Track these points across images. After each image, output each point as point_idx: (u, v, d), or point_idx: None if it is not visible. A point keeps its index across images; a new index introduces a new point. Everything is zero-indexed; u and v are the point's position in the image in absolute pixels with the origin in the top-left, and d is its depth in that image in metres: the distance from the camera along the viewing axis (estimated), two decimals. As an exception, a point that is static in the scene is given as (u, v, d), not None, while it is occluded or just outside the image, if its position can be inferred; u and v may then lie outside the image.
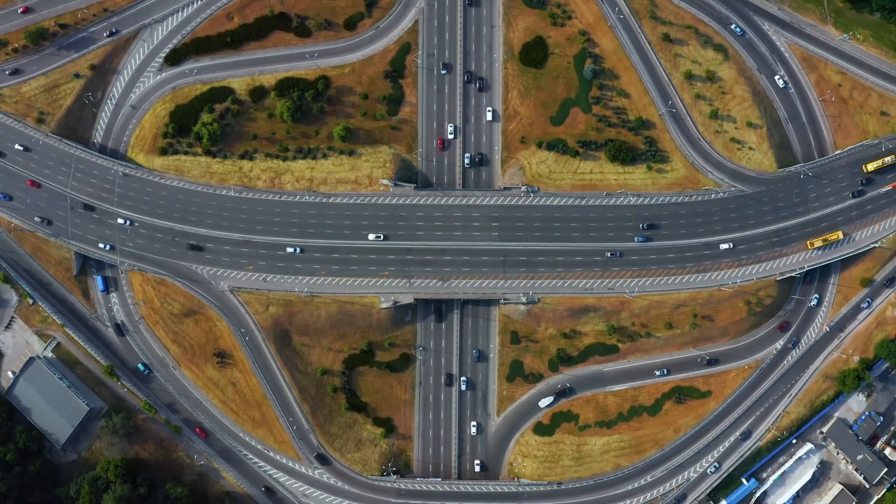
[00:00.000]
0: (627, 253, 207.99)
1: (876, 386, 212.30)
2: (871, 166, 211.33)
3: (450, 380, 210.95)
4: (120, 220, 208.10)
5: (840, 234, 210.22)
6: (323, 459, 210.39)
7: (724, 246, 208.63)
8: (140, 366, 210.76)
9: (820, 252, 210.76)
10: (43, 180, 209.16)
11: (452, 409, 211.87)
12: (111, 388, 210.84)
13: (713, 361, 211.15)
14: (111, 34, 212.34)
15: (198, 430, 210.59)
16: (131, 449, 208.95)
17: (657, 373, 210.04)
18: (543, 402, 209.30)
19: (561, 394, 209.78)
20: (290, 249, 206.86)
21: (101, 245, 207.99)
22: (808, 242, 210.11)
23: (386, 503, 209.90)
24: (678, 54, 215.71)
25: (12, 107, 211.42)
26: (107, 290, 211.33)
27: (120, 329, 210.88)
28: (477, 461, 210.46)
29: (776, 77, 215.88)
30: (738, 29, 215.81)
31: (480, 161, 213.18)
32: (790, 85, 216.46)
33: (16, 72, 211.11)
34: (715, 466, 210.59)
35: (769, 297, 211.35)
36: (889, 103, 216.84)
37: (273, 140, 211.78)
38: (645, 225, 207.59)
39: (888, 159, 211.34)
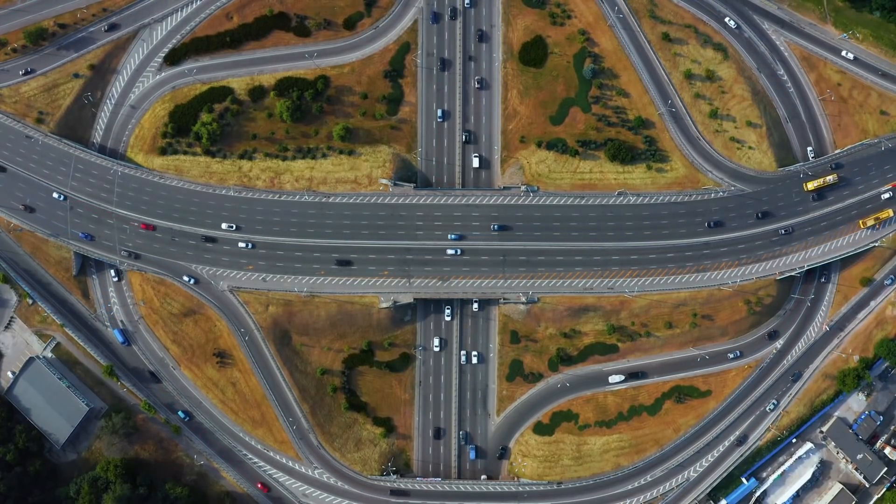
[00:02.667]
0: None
1: (876, 385, 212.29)
2: (811, 185, 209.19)
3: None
4: (241, 245, 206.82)
5: (891, 212, 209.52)
6: (401, 493, 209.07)
7: (885, 195, 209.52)
8: (181, 413, 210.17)
9: (870, 231, 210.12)
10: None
11: (452, 409, 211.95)
12: (111, 388, 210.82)
13: (773, 334, 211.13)
14: (110, 28, 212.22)
15: (259, 485, 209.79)
16: (131, 449, 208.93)
17: (730, 355, 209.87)
18: (614, 379, 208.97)
19: (633, 375, 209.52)
20: (451, 252, 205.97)
21: (187, 278, 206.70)
22: (860, 222, 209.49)
23: (385, 503, 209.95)
24: (678, 53, 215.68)
25: (12, 107, 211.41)
26: (128, 342, 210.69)
27: (154, 376, 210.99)
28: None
29: (727, 19, 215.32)
30: (733, 23, 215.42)
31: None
32: (744, 28, 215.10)
33: (29, 72, 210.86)
34: (773, 404, 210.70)
35: (769, 297, 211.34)
36: (889, 102, 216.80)
37: (272, 140, 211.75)
38: (495, 226, 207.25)
39: (829, 178, 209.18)
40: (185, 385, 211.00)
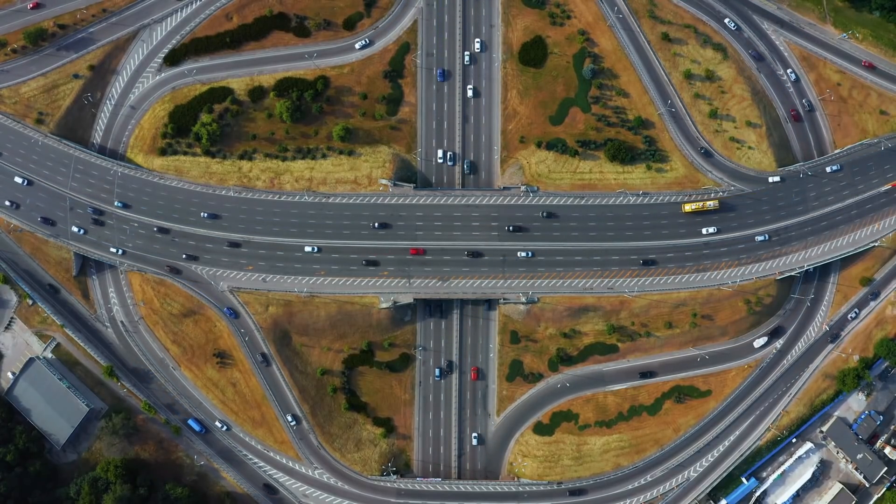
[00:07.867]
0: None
1: (875, 385, 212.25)
2: (688, 207, 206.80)
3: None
4: (307, 248, 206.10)
5: (717, 202, 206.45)
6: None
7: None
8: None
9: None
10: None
11: (452, 409, 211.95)
12: (111, 389, 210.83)
13: (774, 333, 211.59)
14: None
15: None
16: (131, 449, 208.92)
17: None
18: (758, 343, 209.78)
19: (775, 333, 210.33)
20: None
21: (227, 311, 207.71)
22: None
23: (386, 503, 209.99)
24: (677, 53, 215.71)
25: (11, 107, 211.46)
26: (205, 430, 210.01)
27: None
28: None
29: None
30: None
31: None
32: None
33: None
34: (855, 313, 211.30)
35: (769, 297, 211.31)
36: (888, 102, 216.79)
37: (272, 140, 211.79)
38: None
39: (710, 204, 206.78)
40: (185, 385, 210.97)
